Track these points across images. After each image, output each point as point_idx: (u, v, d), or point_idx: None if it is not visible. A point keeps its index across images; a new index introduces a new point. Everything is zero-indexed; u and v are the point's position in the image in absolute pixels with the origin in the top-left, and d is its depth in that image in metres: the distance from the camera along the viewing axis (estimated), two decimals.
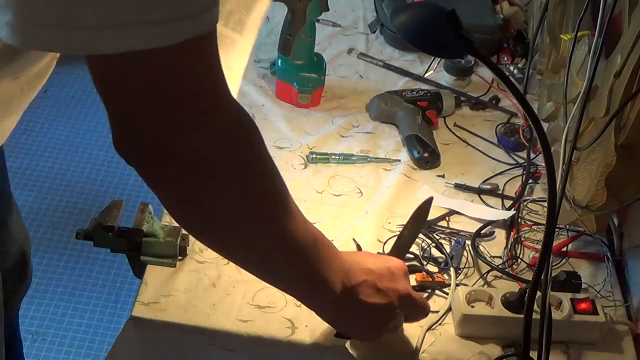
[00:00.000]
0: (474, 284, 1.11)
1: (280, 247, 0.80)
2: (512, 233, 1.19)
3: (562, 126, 1.14)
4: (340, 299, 0.85)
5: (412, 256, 1.15)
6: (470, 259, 1.15)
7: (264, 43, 1.60)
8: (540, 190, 1.29)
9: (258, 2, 0.96)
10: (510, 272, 1.13)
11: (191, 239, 1.12)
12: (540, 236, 1.19)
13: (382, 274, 0.88)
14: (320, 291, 0.85)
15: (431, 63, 1.55)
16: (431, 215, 1.22)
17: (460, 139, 1.40)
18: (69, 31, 0.55)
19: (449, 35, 0.79)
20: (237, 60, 0.98)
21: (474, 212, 1.23)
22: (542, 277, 0.95)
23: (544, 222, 0.99)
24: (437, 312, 1.07)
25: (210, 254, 1.12)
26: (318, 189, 1.26)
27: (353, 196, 1.26)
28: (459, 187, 1.29)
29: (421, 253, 1.15)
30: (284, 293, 1.07)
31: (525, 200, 1.26)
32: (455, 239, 1.18)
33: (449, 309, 1.07)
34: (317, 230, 0.84)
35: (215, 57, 0.63)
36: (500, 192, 1.29)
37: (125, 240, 1.05)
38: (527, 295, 0.91)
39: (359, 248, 1.15)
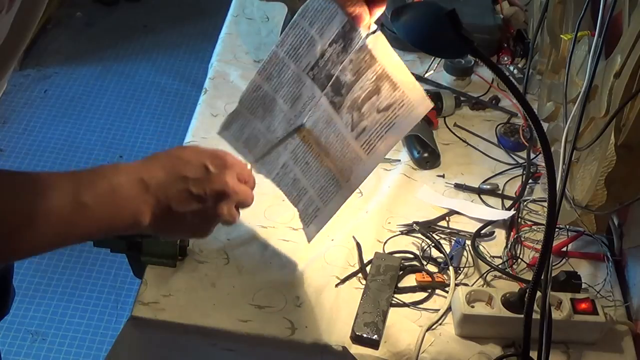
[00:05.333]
0: (473, 284, 1.11)
1: (49, 244, 0.75)
2: (512, 233, 1.19)
3: (562, 126, 1.14)
4: (155, 220, 0.80)
5: (412, 256, 1.15)
6: (470, 259, 1.15)
7: (263, 43, 1.60)
8: (540, 190, 1.29)
9: (391, 133, 0.97)
10: (510, 272, 1.13)
11: (191, 239, 1.12)
12: (540, 236, 1.19)
13: (197, 178, 0.83)
14: (128, 227, 0.80)
15: (431, 63, 1.55)
16: (431, 215, 1.22)
17: (460, 139, 1.40)
18: None
19: (449, 35, 0.79)
20: (357, 178, 1.01)
21: (474, 212, 1.23)
22: (542, 277, 0.95)
23: (544, 222, 0.99)
24: (437, 311, 1.07)
25: (210, 254, 1.12)
26: None
27: (353, 196, 1.25)
28: (459, 187, 1.29)
29: (421, 253, 1.15)
30: (284, 293, 1.08)
31: (525, 200, 1.26)
32: (455, 239, 1.18)
33: (449, 309, 1.07)
34: (55, 176, 0.75)
35: None
36: (500, 192, 1.29)
37: (125, 240, 1.05)
38: (527, 295, 0.91)
39: (358, 247, 1.15)
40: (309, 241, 1.05)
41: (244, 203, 0.89)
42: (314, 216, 1.04)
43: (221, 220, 0.87)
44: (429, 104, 0.93)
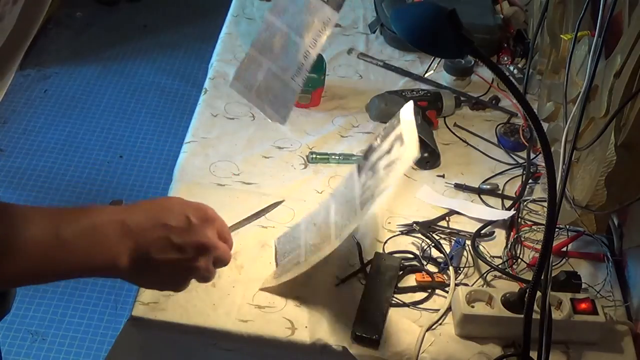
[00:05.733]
0: (473, 284, 1.11)
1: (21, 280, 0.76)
2: (512, 233, 1.19)
3: (562, 126, 1.14)
4: (132, 265, 0.79)
5: (412, 256, 1.15)
6: (470, 259, 1.15)
7: None
8: (540, 190, 1.29)
9: (383, 187, 0.99)
10: (510, 272, 1.13)
11: None
12: (540, 236, 1.19)
13: (179, 227, 0.82)
14: (105, 269, 0.79)
15: (431, 63, 1.55)
16: (431, 215, 1.22)
17: (460, 139, 1.40)
18: None
19: (449, 35, 0.79)
20: (348, 229, 1.02)
21: (474, 212, 1.23)
22: (542, 277, 0.95)
23: (544, 222, 0.99)
24: (437, 311, 1.07)
25: None
26: (318, 189, 1.26)
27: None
28: (459, 187, 1.29)
29: (421, 253, 1.15)
30: (284, 293, 1.07)
31: (525, 200, 1.26)
32: (455, 239, 1.18)
33: (449, 309, 1.07)
34: (42, 215, 0.76)
35: None
36: (500, 192, 1.29)
37: None
38: (527, 295, 0.91)
39: (358, 247, 1.15)
40: (261, 287, 1.08)
41: (222, 260, 0.88)
42: (287, 270, 1.07)
43: (198, 274, 0.85)
44: (415, 151, 0.95)
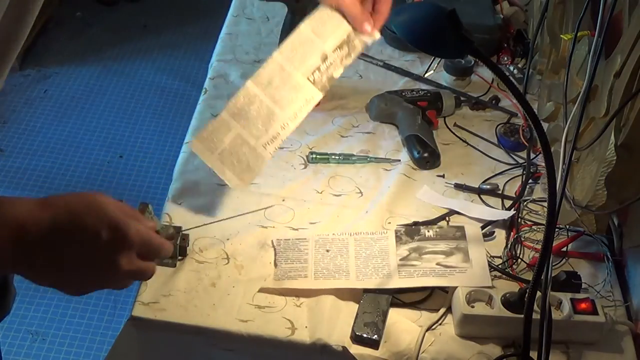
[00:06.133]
0: None
1: None
2: (512, 233, 1.19)
3: (562, 126, 1.14)
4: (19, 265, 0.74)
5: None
6: None
7: (263, 43, 1.60)
8: (540, 190, 1.29)
9: (434, 280, 1.08)
10: (510, 272, 1.13)
11: (191, 238, 1.12)
12: (540, 236, 1.19)
13: (86, 242, 0.74)
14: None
15: (431, 63, 1.55)
16: (431, 215, 1.22)
17: (460, 139, 1.40)
18: None
19: (449, 35, 0.79)
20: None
21: (474, 212, 1.23)
22: (542, 277, 0.95)
23: (544, 222, 0.99)
24: (437, 311, 1.07)
25: (210, 254, 1.12)
26: (318, 189, 1.26)
27: (353, 196, 1.26)
28: (459, 187, 1.29)
29: None
30: (283, 293, 1.07)
31: (525, 200, 1.26)
32: None
33: (449, 309, 1.07)
34: None
35: None
36: (500, 192, 1.29)
37: None
38: (527, 295, 0.91)
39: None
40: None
41: (140, 277, 0.81)
42: (290, 277, 1.09)
43: (104, 287, 0.79)
44: (488, 282, 1.07)
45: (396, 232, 1.14)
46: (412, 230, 1.15)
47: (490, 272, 1.12)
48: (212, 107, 1.42)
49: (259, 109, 1.07)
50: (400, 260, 1.10)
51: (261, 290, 1.08)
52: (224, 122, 1.08)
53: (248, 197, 1.23)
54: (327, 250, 1.12)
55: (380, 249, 1.12)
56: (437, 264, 1.09)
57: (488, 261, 1.13)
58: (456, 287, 1.05)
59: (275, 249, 1.13)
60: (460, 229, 1.15)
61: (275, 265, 1.11)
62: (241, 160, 1.08)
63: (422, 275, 1.08)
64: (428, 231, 1.15)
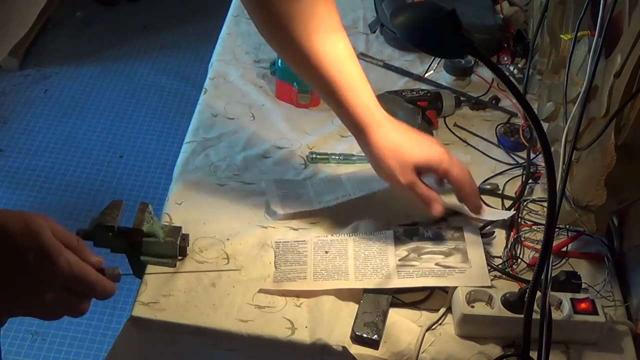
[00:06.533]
0: None
1: None
2: (512, 233, 1.19)
3: (562, 126, 1.14)
4: None
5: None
6: None
7: (263, 43, 1.59)
8: (540, 190, 1.29)
9: (433, 280, 1.08)
10: (510, 272, 1.13)
11: (191, 239, 1.12)
12: (540, 236, 1.19)
13: (11, 264, 0.73)
14: None
15: (431, 63, 1.55)
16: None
17: (460, 139, 1.40)
18: None
19: (449, 35, 0.79)
20: (373, 281, 1.08)
21: None
22: (542, 277, 0.95)
23: (544, 222, 0.99)
24: (437, 311, 1.07)
25: (210, 254, 1.12)
26: None
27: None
28: None
29: None
30: (284, 293, 1.08)
31: (525, 200, 1.26)
32: None
33: (449, 309, 1.07)
34: None
35: None
36: (500, 192, 1.29)
37: (125, 240, 1.05)
38: (527, 295, 0.91)
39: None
40: (261, 288, 1.08)
41: (69, 313, 0.78)
42: (290, 279, 1.09)
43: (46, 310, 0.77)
44: (487, 281, 1.07)
45: (395, 232, 1.14)
46: (410, 230, 1.15)
47: (490, 272, 1.12)
48: (212, 107, 1.42)
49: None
50: (400, 260, 1.10)
51: (260, 291, 1.08)
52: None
53: (248, 197, 1.23)
54: (326, 252, 1.12)
55: (379, 249, 1.12)
56: (436, 264, 1.09)
57: (488, 261, 1.13)
58: (456, 287, 1.05)
59: (275, 251, 1.13)
60: (459, 229, 1.15)
61: (275, 266, 1.11)
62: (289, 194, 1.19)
63: (421, 275, 1.08)
64: (427, 231, 1.15)
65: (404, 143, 1.09)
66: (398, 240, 1.13)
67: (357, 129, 1.11)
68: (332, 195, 1.21)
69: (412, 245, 1.12)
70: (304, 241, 1.14)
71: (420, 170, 1.10)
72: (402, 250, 1.11)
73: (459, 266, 1.09)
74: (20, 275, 0.73)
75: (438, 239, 1.13)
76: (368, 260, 1.10)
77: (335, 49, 1.07)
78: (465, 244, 1.12)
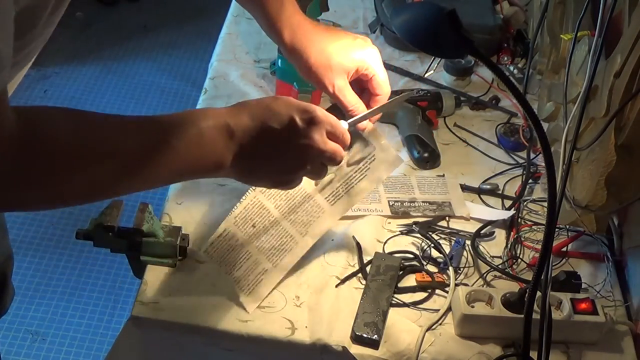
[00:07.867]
0: (473, 284, 1.11)
1: (146, 183, 0.83)
2: (512, 233, 1.19)
3: (562, 126, 1.14)
4: (237, 169, 0.85)
5: (412, 256, 1.15)
6: (470, 259, 1.15)
7: (263, 43, 1.60)
8: (540, 190, 1.29)
9: (360, 186, 1.06)
10: (510, 272, 1.13)
11: (191, 239, 1.12)
12: (540, 236, 1.19)
13: (283, 129, 0.84)
14: (211, 171, 0.85)
15: (431, 63, 1.54)
16: (431, 215, 1.22)
17: (460, 139, 1.40)
18: None
19: (449, 35, 0.79)
20: (318, 226, 1.07)
21: (474, 212, 1.23)
22: (542, 277, 0.95)
23: (544, 222, 0.99)
24: (437, 311, 1.07)
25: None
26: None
27: None
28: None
29: (421, 253, 1.15)
30: (283, 293, 1.08)
31: (525, 200, 1.26)
32: (455, 239, 1.18)
33: (449, 309, 1.07)
34: (169, 122, 0.81)
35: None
36: (500, 192, 1.29)
37: (125, 240, 1.05)
38: (527, 295, 0.91)
39: (358, 247, 1.15)
40: (249, 311, 1.05)
41: (332, 161, 0.90)
42: (258, 281, 1.06)
43: (306, 175, 0.90)
44: (399, 161, 1.06)
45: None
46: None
47: (490, 272, 1.12)
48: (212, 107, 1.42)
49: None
50: (321, 188, 1.06)
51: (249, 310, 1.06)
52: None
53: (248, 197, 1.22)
54: (253, 226, 1.07)
55: (298, 192, 1.07)
56: (348, 165, 1.05)
57: (488, 261, 1.13)
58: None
59: (217, 262, 1.08)
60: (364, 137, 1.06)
61: (229, 275, 1.07)
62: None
63: (346, 188, 1.05)
64: None
65: (334, 50, 1.02)
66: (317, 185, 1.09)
67: (284, 40, 1.05)
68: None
69: (331, 175, 1.06)
70: (223, 232, 1.07)
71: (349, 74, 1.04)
72: (322, 182, 1.07)
73: (366, 154, 1.04)
74: (293, 136, 0.85)
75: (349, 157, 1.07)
76: (296, 209, 1.06)
77: None
78: (365, 139, 1.05)
